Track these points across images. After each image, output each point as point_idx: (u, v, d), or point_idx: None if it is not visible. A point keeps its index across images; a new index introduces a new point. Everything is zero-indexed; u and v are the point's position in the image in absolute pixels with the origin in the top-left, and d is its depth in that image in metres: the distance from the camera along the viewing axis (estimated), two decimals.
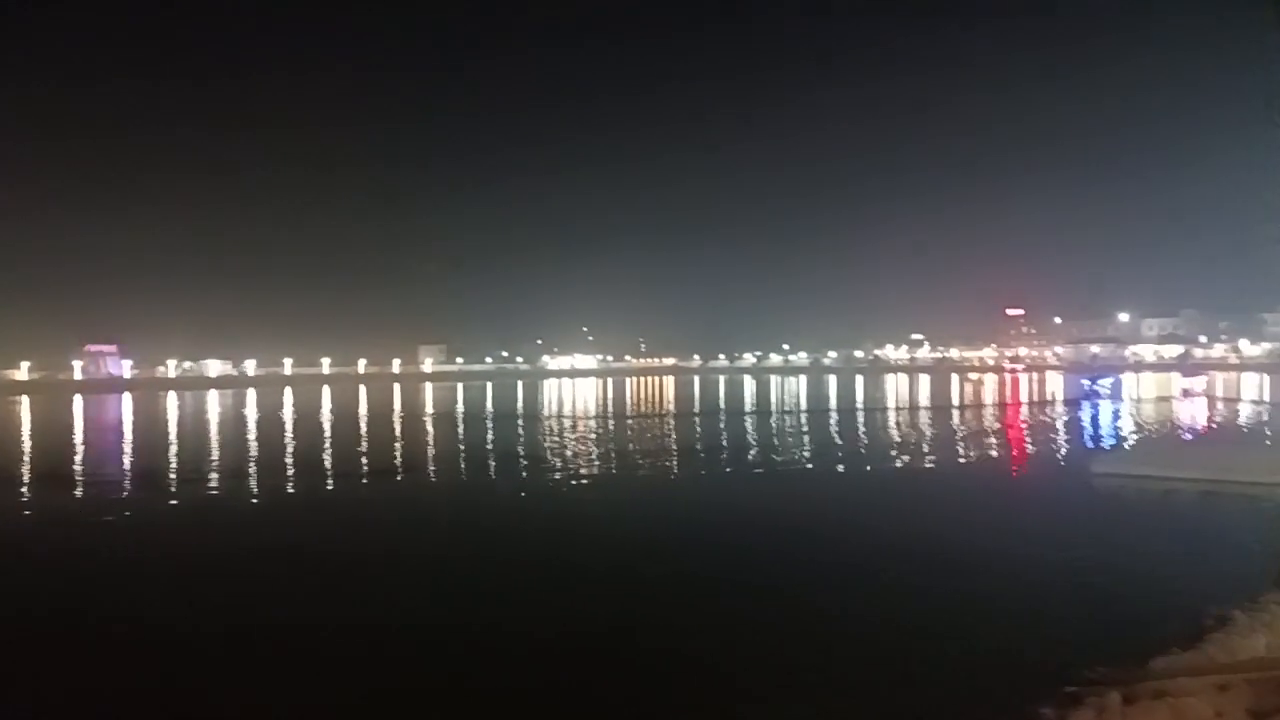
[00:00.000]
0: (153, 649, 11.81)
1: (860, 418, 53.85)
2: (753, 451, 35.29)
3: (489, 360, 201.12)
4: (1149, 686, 8.66)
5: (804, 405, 68.38)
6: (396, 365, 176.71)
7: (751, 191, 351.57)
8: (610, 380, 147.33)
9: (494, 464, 33.25)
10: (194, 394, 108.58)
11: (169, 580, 15.45)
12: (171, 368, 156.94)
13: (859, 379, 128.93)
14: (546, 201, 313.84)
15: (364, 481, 28.78)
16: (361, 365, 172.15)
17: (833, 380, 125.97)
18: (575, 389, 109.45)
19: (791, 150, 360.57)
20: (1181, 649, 10.08)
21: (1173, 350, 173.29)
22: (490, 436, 45.36)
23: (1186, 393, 73.29)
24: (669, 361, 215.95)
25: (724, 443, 39.60)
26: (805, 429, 45.89)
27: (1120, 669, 9.26)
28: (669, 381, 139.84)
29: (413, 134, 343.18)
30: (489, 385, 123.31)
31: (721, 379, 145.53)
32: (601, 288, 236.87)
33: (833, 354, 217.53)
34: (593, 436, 42.36)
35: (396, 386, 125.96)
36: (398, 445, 40.81)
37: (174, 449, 40.42)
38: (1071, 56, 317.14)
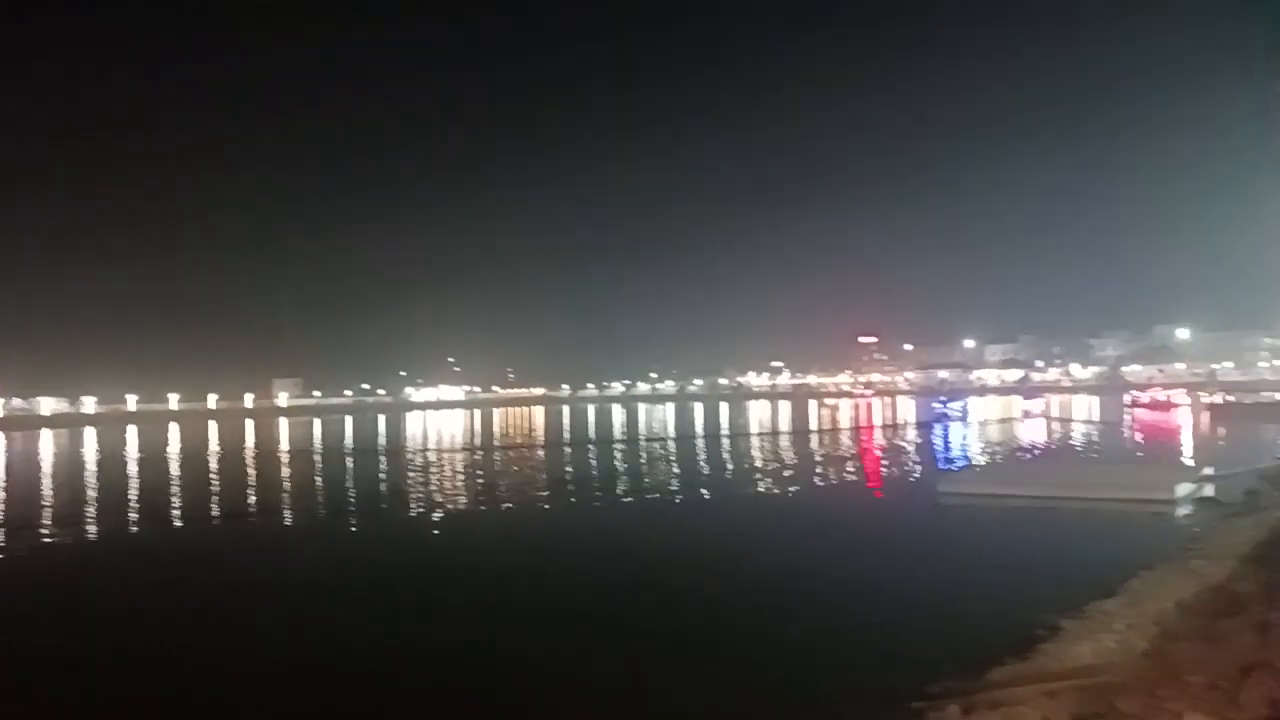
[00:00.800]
0: None
1: (725, 444, 55.01)
2: (622, 481, 35.43)
3: (348, 393, 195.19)
4: (986, 697, 9.13)
5: (671, 433, 69.41)
6: (249, 400, 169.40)
7: (616, 221, 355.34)
8: (478, 412, 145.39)
9: (353, 501, 32.23)
10: (24, 434, 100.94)
11: None
12: None
13: (723, 406, 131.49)
14: (407, 232, 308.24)
15: (214, 523, 27.40)
16: (212, 400, 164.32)
17: (699, 408, 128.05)
18: (441, 421, 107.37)
19: (653, 180, 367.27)
20: (1017, 659, 10.67)
21: (1013, 374, 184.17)
22: (349, 473, 43.97)
23: (1027, 414, 78.29)
24: (538, 391, 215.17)
25: (594, 473, 39.58)
26: (672, 457, 46.46)
27: (959, 681, 9.73)
28: (538, 412, 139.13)
29: (266, 165, 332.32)
30: (348, 419, 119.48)
31: (591, 408, 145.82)
32: (467, 318, 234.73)
33: (698, 382, 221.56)
34: (458, 470, 41.61)
35: (249, 422, 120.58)
36: (250, 485, 38.95)
37: None
38: (919, 89, 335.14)
